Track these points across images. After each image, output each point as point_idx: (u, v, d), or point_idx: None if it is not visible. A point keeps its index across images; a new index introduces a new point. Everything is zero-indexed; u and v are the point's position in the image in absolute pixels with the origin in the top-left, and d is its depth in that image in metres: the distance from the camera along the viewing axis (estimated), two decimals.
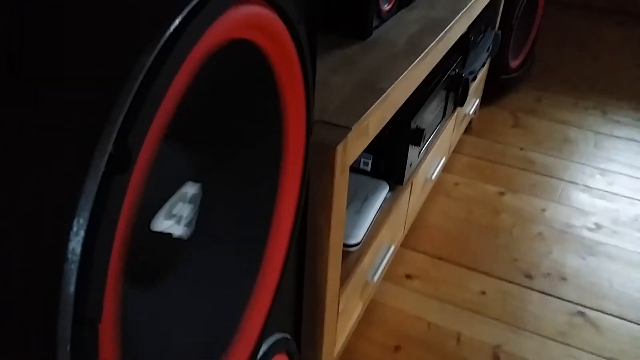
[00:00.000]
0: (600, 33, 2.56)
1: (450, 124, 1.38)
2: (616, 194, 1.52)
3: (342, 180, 0.75)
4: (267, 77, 0.44)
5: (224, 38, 0.36)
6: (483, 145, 1.71)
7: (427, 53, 0.97)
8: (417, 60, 0.92)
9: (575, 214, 1.44)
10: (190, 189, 0.44)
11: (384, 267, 1.07)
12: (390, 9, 1.04)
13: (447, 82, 1.23)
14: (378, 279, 1.05)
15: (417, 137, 1.06)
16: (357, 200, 1.01)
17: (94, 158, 0.26)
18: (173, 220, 0.42)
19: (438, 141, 1.29)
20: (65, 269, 0.26)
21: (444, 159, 1.39)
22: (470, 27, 1.31)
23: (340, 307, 0.93)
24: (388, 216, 1.05)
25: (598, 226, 1.40)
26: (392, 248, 1.12)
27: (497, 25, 1.66)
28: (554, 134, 1.78)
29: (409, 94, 0.96)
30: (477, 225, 1.39)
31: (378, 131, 0.86)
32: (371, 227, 0.99)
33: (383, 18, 1.03)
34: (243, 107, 0.44)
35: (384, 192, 1.05)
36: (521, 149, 1.70)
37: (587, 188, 1.54)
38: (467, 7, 1.17)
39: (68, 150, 0.26)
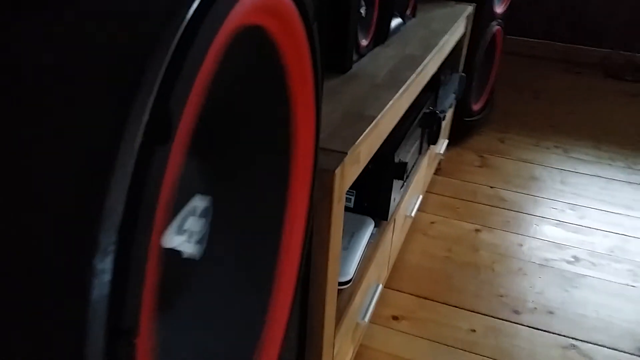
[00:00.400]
0: (550, 80, 2.68)
1: (425, 161, 1.38)
2: (589, 227, 1.54)
3: (339, 209, 0.71)
4: (279, 75, 0.41)
5: (245, 20, 0.33)
6: (454, 185, 1.71)
7: (408, 86, 0.96)
8: (400, 91, 0.92)
9: (552, 247, 1.44)
10: (200, 203, 0.40)
11: (373, 308, 1.02)
12: (367, 44, 1.04)
13: (422, 119, 1.23)
14: (367, 320, 1.00)
15: (401, 170, 1.04)
16: (344, 236, 0.97)
17: (129, 125, 0.22)
18: (185, 236, 0.37)
19: (415, 178, 1.28)
20: (95, 263, 0.21)
21: (420, 197, 1.37)
22: (439, 68, 1.34)
23: (335, 351, 0.87)
24: (375, 253, 1.01)
25: (576, 259, 1.40)
26: (380, 287, 1.07)
27: (462, 69, 1.70)
28: (521, 172, 1.81)
29: (394, 125, 0.94)
30: (458, 262, 1.36)
31: (368, 160, 0.83)
32: (360, 264, 0.95)
33: (361, 53, 1.03)
34: (252, 108, 0.41)
35: (370, 228, 1.01)
36: (491, 187, 1.71)
37: (560, 222, 1.55)
38: (438, 46, 1.19)
39: (96, 119, 0.22)
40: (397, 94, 0.90)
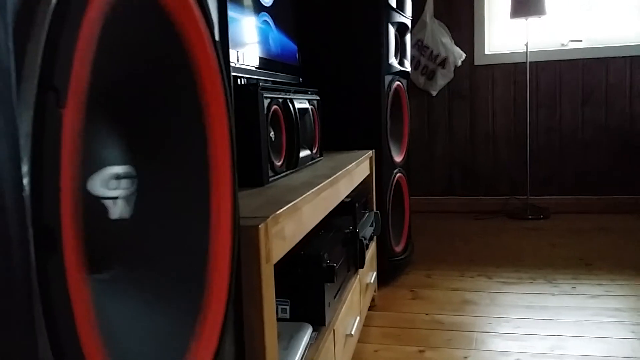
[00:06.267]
0: (461, 227, 2.90)
1: (356, 284, 1.41)
2: (525, 334, 1.56)
3: (268, 269, 0.73)
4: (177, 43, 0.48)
5: None
6: (391, 317, 1.72)
7: (322, 187, 1.05)
8: (315, 189, 1.00)
9: (497, 356, 1.44)
10: (123, 170, 0.43)
11: None
12: (281, 164, 1.15)
13: (344, 237, 1.30)
14: None
15: (330, 273, 1.07)
16: (283, 339, 0.96)
17: None
18: (111, 190, 0.40)
19: (349, 296, 1.29)
20: None
21: (358, 318, 1.37)
22: (352, 196, 1.45)
23: None
24: (318, 357, 0.99)
25: None
26: None
27: (375, 208, 1.83)
28: (452, 298, 1.86)
29: (316, 218, 1.00)
30: None
31: (292, 244, 0.87)
32: None
33: (276, 171, 1.12)
34: (159, 79, 0.47)
35: (308, 331, 1.00)
36: (427, 314, 1.73)
37: (498, 334, 1.57)
38: (346, 169, 1.32)
39: None
40: (313, 189, 0.98)
